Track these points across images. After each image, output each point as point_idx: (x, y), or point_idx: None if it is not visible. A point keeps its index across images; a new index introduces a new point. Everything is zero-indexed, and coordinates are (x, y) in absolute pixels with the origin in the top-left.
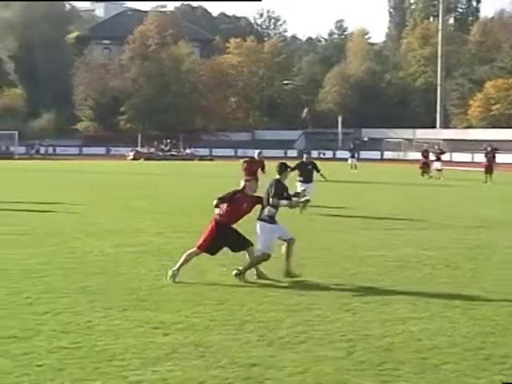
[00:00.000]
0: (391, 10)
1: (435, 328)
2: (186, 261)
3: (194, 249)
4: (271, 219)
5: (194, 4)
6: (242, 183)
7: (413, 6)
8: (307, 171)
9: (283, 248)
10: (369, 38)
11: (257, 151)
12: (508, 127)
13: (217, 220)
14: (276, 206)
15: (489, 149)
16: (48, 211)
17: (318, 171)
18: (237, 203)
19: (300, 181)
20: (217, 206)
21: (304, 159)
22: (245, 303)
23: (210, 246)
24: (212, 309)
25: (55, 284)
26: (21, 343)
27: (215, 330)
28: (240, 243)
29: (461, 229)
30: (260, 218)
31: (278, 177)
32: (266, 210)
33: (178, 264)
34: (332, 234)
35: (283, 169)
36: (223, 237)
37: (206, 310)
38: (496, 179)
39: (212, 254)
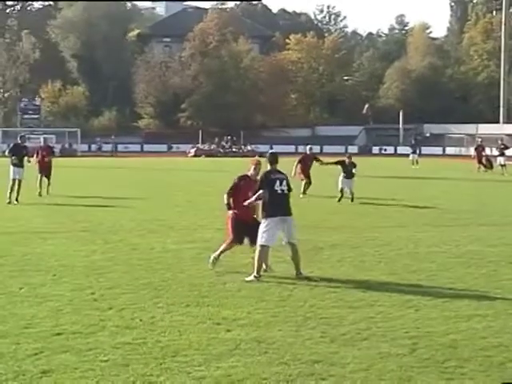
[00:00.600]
0: (452, 4)
1: (500, 326)
2: (223, 252)
3: (225, 244)
4: None
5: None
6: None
7: (475, 0)
8: (349, 170)
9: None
10: (430, 32)
11: (307, 147)
12: None
13: (233, 217)
14: None
15: None
16: (111, 207)
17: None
18: (242, 192)
19: (344, 176)
20: (228, 203)
21: (346, 162)
22: (307, 300)
23: (238, 238)
24: (274, 305)
25: (118, 280)
26: (85, 339)
27: (277, 326)
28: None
29: None
30: (291, 213)
31: (270, 168)
32: None
33: (218, 251)
34: (393, 230)
35: (277, 159)
36: (244, 229)
37: (268, 306)
38: None
39: (240, 244)
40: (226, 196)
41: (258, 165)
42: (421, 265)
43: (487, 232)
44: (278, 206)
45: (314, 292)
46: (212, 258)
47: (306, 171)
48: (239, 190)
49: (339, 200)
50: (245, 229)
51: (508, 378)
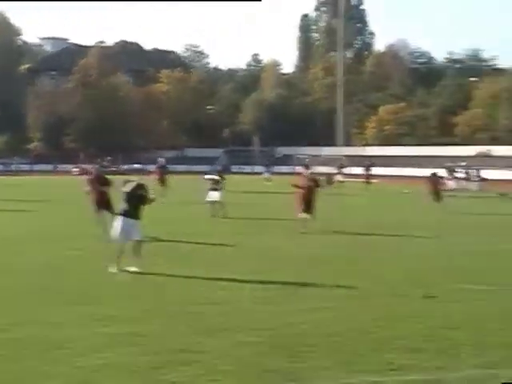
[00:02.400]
0: (299, 45)
1: (339, 315)
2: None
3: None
4: None
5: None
6: None
7: (317, 42)
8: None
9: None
10: (280, 68)
11: (159, 159)
12: (398, 144)
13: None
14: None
15: (367, 163)
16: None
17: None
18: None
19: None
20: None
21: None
22: (175, 297)
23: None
24: (147, 303)
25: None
26: None
27: (150, 321)
28: None
29: (355, 230)
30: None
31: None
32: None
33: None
34: (244, 237)
35: None
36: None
37: (141, 303)
38: (374, 188)
39: None
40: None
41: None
42: (276, 265)
43: (325, 238)
44: None
45: (181, 291)
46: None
47: None
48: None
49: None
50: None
51: (346, 358)
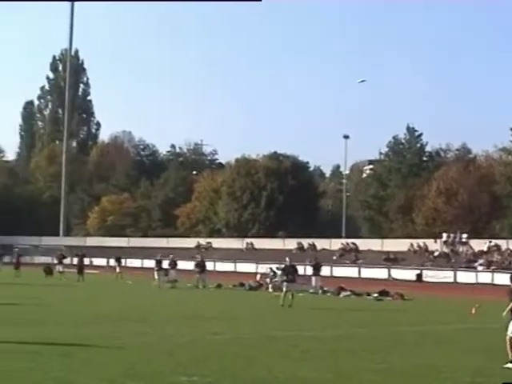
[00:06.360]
0: (22, 133)
1: None
2: None
3: None
4: None
5: None
6: None
7: (41, 131)
8: None
9: None
10: (2, 156)
11: None
12: (120, 235)
13: None
14: None
15: (80, 253)
16: None
17: None
18: None
19: None
20: None
21: None
22: None
23: None
24: None
25: None
26: None
27: None
28: None
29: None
30: None
31: None
32: None
33: None
34: None
35: None
36: None
37: None
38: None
39: None
40: None
41: None
42: None
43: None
44: None
45: None
46: None
47: None
48: None
49: None
50: None
51: None
